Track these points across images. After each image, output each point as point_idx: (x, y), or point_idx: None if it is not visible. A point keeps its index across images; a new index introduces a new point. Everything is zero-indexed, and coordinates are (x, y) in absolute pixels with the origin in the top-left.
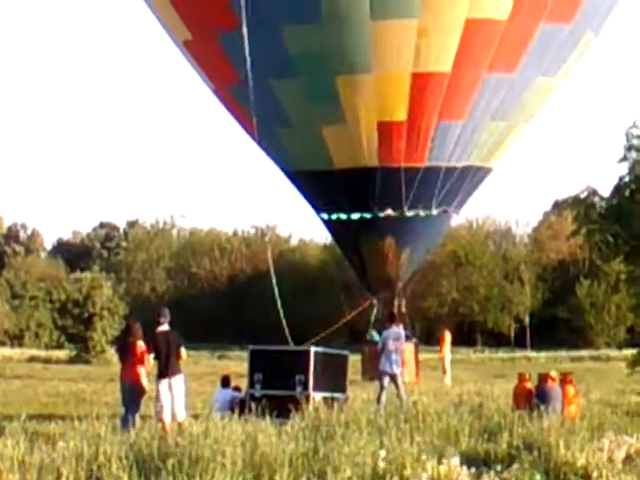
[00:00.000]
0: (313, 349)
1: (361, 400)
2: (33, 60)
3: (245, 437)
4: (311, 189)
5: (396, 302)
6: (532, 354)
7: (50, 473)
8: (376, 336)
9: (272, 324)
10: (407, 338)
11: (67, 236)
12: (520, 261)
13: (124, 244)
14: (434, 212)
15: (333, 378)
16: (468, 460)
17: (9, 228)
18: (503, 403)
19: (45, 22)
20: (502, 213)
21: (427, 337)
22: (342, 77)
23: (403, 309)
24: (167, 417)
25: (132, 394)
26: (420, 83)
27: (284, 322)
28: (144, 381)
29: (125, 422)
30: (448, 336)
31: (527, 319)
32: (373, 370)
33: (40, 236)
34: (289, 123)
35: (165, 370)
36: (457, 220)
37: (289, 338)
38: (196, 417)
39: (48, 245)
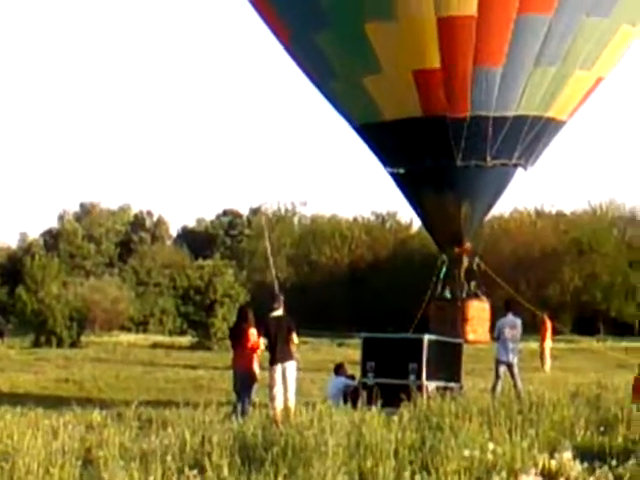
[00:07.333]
0: (427, 337)
1: (477, 390)
2: (149, 51)
3: (351, 427)
4: (371, 143)
5: (465, 259)
6: None
7: (154, 461)
8: (449, 294)
9: (392, 311)
10: (476, 296)
11: (192, 224)
12: None
13: (247, 232)
14: (489, 164)
15: (447, 367)
16: (582, 454)
17: (136, 216)
18: (624, 394)
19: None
20: (627, 198)
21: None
22: (371, 25)
23: (474, 266)
24: (279, 403)
25: (244, 381)
26: (447, 28)
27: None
28: (256, 368)
29: (236, 409)
30: (548, 324)
31: None
32: (439, 328)
33: (166, 224)
34: (336, 75)
35: (278, 356)
36: (580, 206)
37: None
38: (307, 405)
39: (173, 232)
